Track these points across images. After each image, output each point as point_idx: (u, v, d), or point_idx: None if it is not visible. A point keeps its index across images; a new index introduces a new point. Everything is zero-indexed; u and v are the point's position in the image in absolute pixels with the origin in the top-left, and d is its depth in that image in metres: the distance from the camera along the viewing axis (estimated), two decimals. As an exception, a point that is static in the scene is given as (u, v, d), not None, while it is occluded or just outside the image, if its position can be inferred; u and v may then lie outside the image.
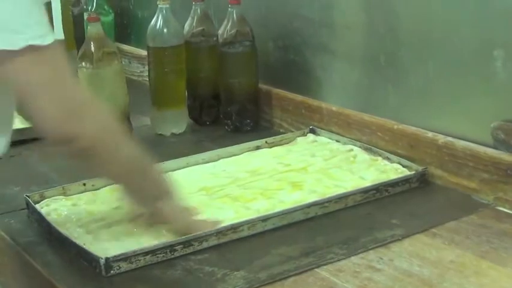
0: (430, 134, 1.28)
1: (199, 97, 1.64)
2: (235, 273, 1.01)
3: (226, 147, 1.42)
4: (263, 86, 1.61)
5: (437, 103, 1.29)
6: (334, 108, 1.47)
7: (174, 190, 1.11)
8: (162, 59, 1.56)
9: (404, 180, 1.25)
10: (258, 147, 1.44)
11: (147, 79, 1.62)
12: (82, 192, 1.26)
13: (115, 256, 1.02)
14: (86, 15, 1.78)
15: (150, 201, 1.09)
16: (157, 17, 1.55)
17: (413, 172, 1.26)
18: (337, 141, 1.43)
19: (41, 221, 1.17)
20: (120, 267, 1.02)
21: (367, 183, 1.24)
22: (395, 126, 1.34)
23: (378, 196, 1.22)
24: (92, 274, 1.03)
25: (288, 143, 1.46)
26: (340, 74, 1.48)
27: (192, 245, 1.07)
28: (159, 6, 1.55)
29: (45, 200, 1.23)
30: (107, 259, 1.02)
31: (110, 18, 1.98)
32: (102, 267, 1.01)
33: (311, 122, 1.50)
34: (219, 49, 1.56)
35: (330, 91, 1.50)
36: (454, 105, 1.26)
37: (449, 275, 0.99)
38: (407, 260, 1.03)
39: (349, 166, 1.32)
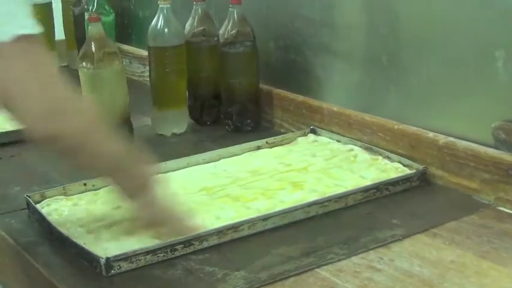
0: (431, 134, 1.28)
1: (200, 97, 1.64)
2: (236, 273, 1.01)
3: (227, 147, 1.42)
4: (264, 86, 1.61)
5: (438, 103, 1.29)
6: (335, 109, 1.47)
7: (162, 182, 1.10)
8: (162, 59, 1.56)
9: (405, 179, 1.25)
10: (258, 147, 1.44)
11: (148, 79, 1.62)
12: (83, 192, 1.26)
13: (115, 256, 1.02)
14: (86, 15, 1.78)
15: (136, 191, 1.07)
16: (158, 17, 1.55)
17: (414, 171, 1.26)
18: (338, 141, 1.43)
19: (41, 221, 1.17)
20: (120, 267, 1.02)
21: (367, 182, 1.24)
22: (396, 127, 1.34)
23: (378, 195, 1.22)
24: (92, 274, 1.03)
25: (288, 143, 1.46)
26: (341, 74, 1.48)
27: (193, 244, 1.07)
28: (160, 6, 1.55)
29: (46, 200, 1.23)
30: (107, 259, 1.02)
31: (111, 18, 1.98)
32: (103, 267, 1.01)
33: (312, 122, 1.50)
34: (220, 49, 1.56)
35: (330, 91, 1.50)
36: (455, 105, 1.26)
37: (449, 275, 0.98)
38: (408, 260, 1.03)
39: (350, 166, 1.32)
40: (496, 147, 1.18)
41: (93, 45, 1.45)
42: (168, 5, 1.55)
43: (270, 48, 1.61)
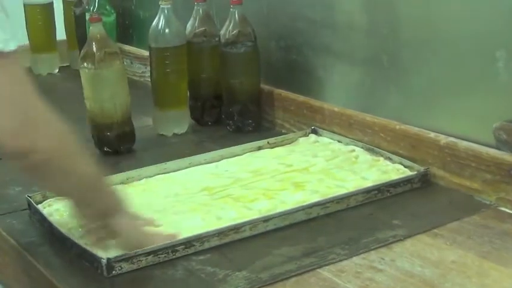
0: (432, 135, 1.28)
1: (201, 97, 1.64)
2: (237, 273, 1.01)
3: (228, 148, 1.42)
4: (265, 87, 1.61)
5: (439, 104, 1.29)
6: (336, 109, 1.46)
7: (126, 205, 1.08)
8: (164, 59, 1.56)
9: (406, 181, 1.25)
10: (260, 148, 1.43)
11: (149, 79, 1.62)
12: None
13: (117, 257, 1.02)
14: (87, 16, 1.78)
15: (102, 216, 1.06)
16: (159, 18, 1.55)
17: (415, 172, 1.26)
18: (339, 141, 1.43)
19: (42, 222, 1.17)
20: (121, 268, 1.03)
21: (368, 183, 1.23)
22: (397, 127, 1.34)
23: (379, 196, 1.22)
24: (93, 274, 1.03)
25: (289, 144, 1.46)
26: (342, 75, 1.47)
27: (194, 245, 1.07)
28: (161, 6, 1.55)
29: (47, 200, 1.23)
30: (108, 259, 1.02)
31: (112, 18, 1.98)
32: (104, 267, 1.02)
33: (313, 122, 1.50)
34: (221, 49, 1.56)
35: (331, 91, 1.50)
36: (456, 105, 1.26)
37: (451, 275, 0.98)
38: (409, 261, 1.03)
39: (351, 166, 1.32)
40: (497, 148, 1.18)
41: (94, 46, 1.45)
42: (169, 6, 1.55)
43: (271, 48, 1.61)
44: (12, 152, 0.95)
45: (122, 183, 1.30)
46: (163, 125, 1.59)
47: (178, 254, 1.06)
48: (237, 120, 1.57)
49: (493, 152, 1.18)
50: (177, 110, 1.60)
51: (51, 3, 2.14)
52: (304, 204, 1.16)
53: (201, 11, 1.60)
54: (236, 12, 1.53)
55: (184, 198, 1.23)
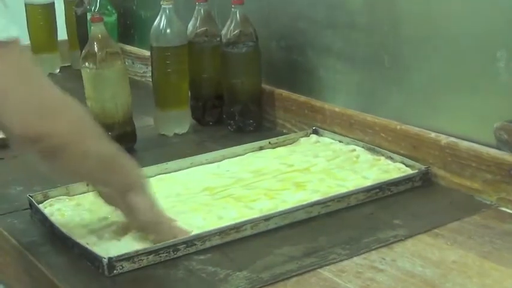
0: (433, 135, 1.28)
1: (203, 97, 1.64)
2: (238, 273, 1.01)
3: (230, 148, 1.42)
4: (266, 87, 1.61)
5: (440, 104, 1.29)
6: (337, 109, 1.47)
7: (145, 183, 1.08)
8: (165, 59, 1.56)
9: (407, 179, 1.25)
10: (261, 148, 1.44)
11: (150, 79, 1.62)
12: (85, 192, 1.26)
13: (118, 256, 1.02)
14: (89, 16, 1.78)
15: (120, 193, 1.06)
16: (161, 18, 1.56)
17: (416, 171, 1.26)
18: (340, 141, 1.43)
19: (44, 221, 1.17)
20: (123, 267, 1.03)
21: (369, 182, 1.24)
22: (398, 127, 1.34)
23: (380, 195, 1.22)
24: (94, 274, 1.03)
25: (291, 144, 1.46)
26: (343, 75, 1.48)
27: (195, 244, 1.07)
28: (163, 6, 1.55)
29: (49, 200, 1.24)
30: (109, 259, 1.02)
31: (113, 18, 1.98)
32: (105, 267, 1.02)
33: (314, 122, 1.50)
34: (222, 49, 1.56)
35: (332, 92, 1.50)
36: (457, 105, 1.26)
37: (452, 275, 0.99)
38: (410, 261, 1.03)
39: (352, 166, 1.32)
40: (498, 148, 1.18)
41: (95, 46, 1.45)
42: (171, 6, 1.55)
43: (272, 48, 1.61)
44: (29, 137, 0.94)
45: (123, 183, 1.30)
46: (164, 125, 1.59)
47: (179, 253, 1.06)
48: (238, 120, 1.58)
49: (493, 152, 1.18)
50: (178, 110, 1.60)
51: (53, 3, 2.14)
52: (305, 203, 1.17)
53: (202, 10, 1.60)
54: (237, 12, 1.53)
55: (185, 198, 1.23)
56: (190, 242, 1.07)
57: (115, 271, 1.02)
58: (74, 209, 1.21)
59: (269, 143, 1.45)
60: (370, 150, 1.37)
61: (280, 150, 1.43)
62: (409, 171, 1.27)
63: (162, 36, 1.56)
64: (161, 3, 1.55)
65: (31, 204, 1.22)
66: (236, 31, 1.53)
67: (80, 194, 1.26)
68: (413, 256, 1.04)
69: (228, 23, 1.54)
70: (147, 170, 1.33)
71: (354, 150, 1.38)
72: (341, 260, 1.03)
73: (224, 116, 1.61)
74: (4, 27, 0.93)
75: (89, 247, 1.06)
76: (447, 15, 1.25)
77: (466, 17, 1.22)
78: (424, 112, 1.32)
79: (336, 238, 1.09)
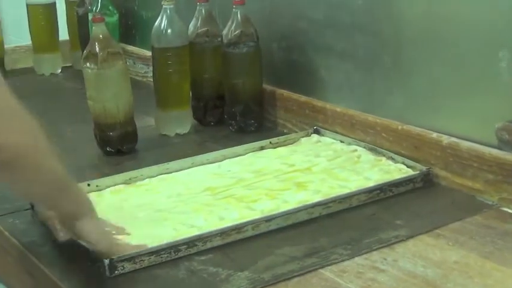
0: (434, 135, 1.28)
1: (204, 98, 1.64)
2: (239, 273, 1.01)
3: (231, 148, 1.42)
4: (267, 87, 1.61)
5: (442, 104, 1.29)
6: (338, 109, 1.47)
7: (94, 210, 1.04)
8: (166, 59, 1.56)
9: (409, 180, 1.25)
10: (262, 148, 1.44)
11: (152, 80, 1.62)
12: (86, 193, 1.26)
13: (119, 256, 1.02)
14: (90, 16, 1.78)
15: (70, 220, 1.02)
16: (162, 18, 1.56)
17: (418, 172, 1.26)
18: (341, 141, 1.43)
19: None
20: (124, 268, 1.03)
21: (371, 183, 1.23)
22: (400, 127, 1.34)
23: (382, 196, 1.22)
24: (96, 274, 1.03)
25: (292, 144, 1.46)
26: (344, 75, 1.48)
27: (196, 245, 1.07)
28: (164, 6, 1.55)
29: (50, 200, 1.23)
30: (111, 259, 1.02)
31: (115, 18, 1.98)
32: (106, 267, 1.02)
33: (315, 122, 1.50)
34: (224, 50, 1.56)
35: (334, 92, 1.50)
36: (459, 106, 1.26)
37: (453, 275, 0.98)
38: (411, 261, 1.03)
39: (353, 166, 1.32)
40: (499, 148, 1.18)
41: (97, 46, 1.45)
42: (172, 6, 1.55)
43: (273, 48, 1.61)
44: None
45: (125, 183, 1.30)
46: (165, 125, 1.59)
47: (180, 254, 1.06)
48: (239, 121, 1.57)
49: (495, 152, 1.18)
50: (180, 110, 1.60)
51: (54, 4, 2.14)
52: (307, 204, 1.17)
53: (203, 11, 1.60)
54: (239, 13, 1.53)
55: (186, 198, 1.23)
56: (192, 242, 1.07)
57: (116, 271, 1.02)
58: (75, 209, 1.21)
59: (270, 143, 1.45)
60: (372, 150, 1.37)
61: (281, 150, 1.43)
62: (410, 172, 1.27)
63: (163, 36, 1.56)
64: (162, 3, 1.55)
65: (32, 205, 1.22)
66: (237, 31, 1.53)
67: (81, 194, 1.26)
68: (414, 256, 1.04)
69: (229, 23, 1.54)
70: (149, 170, 1.33)
71: (355, 150, 1.38)
72: (342, 260, 1.03)
73: (225, 116, 1.61)
74: None
75: (90, 247, 1.06)
76: (449, 15, 1.25)
77: (468, 16, 1.22)
78: (426, 112, 1.31)
79: (337, 238, 1.09)
